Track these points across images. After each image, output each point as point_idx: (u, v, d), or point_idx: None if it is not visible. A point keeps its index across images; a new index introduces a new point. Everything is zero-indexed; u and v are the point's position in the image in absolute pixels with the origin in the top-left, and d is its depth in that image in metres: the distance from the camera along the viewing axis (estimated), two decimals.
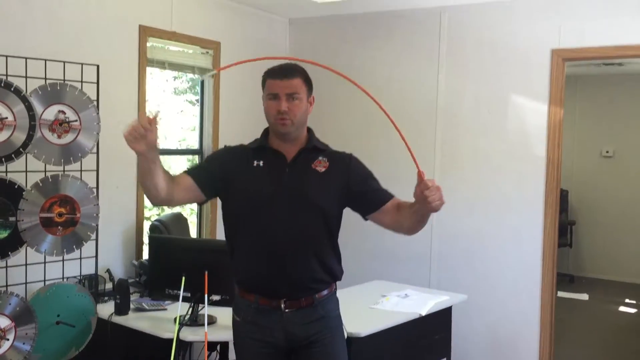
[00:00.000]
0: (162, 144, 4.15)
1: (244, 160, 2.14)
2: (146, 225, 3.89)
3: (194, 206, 4.43)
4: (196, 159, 4.53)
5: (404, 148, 4.74)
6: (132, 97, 3.78)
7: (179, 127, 4.61)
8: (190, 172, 2.12)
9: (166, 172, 1.98)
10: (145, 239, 3.82)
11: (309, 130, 2.21)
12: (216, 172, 2.13)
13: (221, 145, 4.20)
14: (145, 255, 3.78)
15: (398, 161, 4.43)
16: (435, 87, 4.46)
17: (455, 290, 3.99)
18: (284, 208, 2.07)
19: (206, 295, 2.06)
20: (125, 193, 3.79)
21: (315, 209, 2.09)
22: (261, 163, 2.11)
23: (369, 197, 2.15)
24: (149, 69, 3.85)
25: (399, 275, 4.28)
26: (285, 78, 2.05)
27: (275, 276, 2.09)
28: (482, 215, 4.36)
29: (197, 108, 4.53)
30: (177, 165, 4.63)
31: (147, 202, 3.96)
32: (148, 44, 3.83)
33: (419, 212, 1.96)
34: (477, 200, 4.36)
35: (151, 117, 1.75)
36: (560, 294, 6.20)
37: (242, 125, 4.52)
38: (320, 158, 2.15)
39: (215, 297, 2.85)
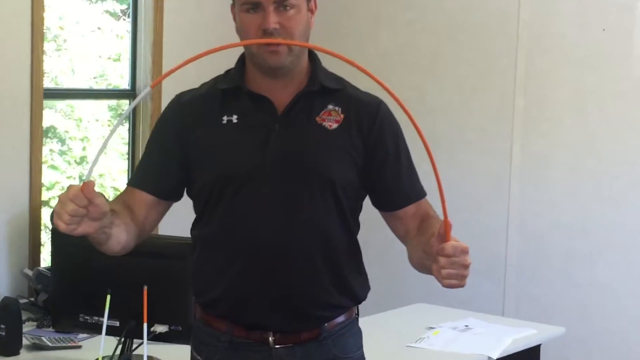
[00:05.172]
0: (69, 82, 4.57)
1: (208, 117, 2.13)
2: (45, 213, 3.93)
3: (121, 177, 4.60)
4: (124, 104, 4.55)
5: (454, 98, 4.77)
6: (22, 3, 3.73)
7: (96, 56, 4.56)
8: (136, 182, 2.15)
9: (122, 216, 2.02)
10: (45, 235, 3.93)
11: (313, 57, 2.14)
12: (174, 155, 2.13)
13: (167, 88, 4.01)
14: (45, 261, 3.88)
15: (443, 118, 4.51)
16: None
17: (546, 320, 3.88)
18: (274, 189, 2.05)
19: (145, 325, 2.07)
20: (8, 163, 3.75)
21: (323, 188, 2.06)
22: (234, 118, 2.11)
23: (386, 185, 2.14)
24: None
25: (453, 295, 3.96)
26: None
27: (260, 295, 2.08)
28: (590, 199, 4.24)
29: (127, 24, 4.44)
30: (92, 115, 4.67)
31: (46, 178, 4.12)
32: None
33: (425, 263, 1.93)
34: (583, 174, 4.24)
35: (85, 188, 1.74)
36: None
37: (199, 51, 4.45)
38: (330, 107, 2.11)
39: (160, 328, 2.86)
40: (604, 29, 4.20)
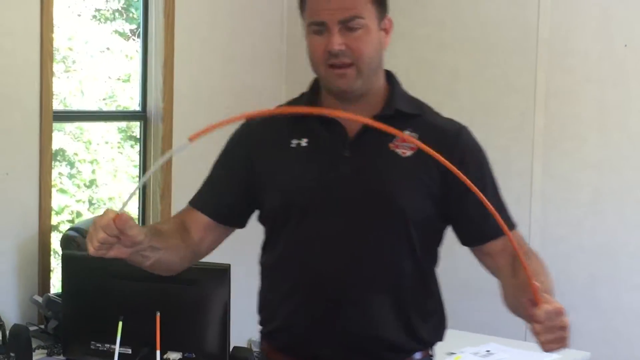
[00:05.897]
0: (77, 104, 4.64)
1: (276, 140, 2.11)
2: (55, 238, 3.92)
3: (130, 200, 4.52)
4: (134, 126, 4.48)
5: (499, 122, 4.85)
6: (31, 23, 3.71)
7: (105, 77, 4.56)
8: (195, 202, 2.15)
9: (169, 238, 2.02)
10: (55, 261, 3.95)
11: (391, 80, 2.11)
12: (237, 179, 2.14)
13: (178, 110, 4.34)
14: (55, 287, 3.88)
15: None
16: (536, 6, 4.39)
17: (570, 345, 3.77)
18: (340, 218, 2.03)
19: (158, 352, 2.15)
20: (17, 186, 3.72)
21: (392, 219, 2.04)
22: (304, 142, 2.09)
23: (468, 219, 2.09)
24: None
25: (475, 318, 4.17)
26: None
27: (319, 328, 2.06)
28: (614, 219, 4.23)
29: (136, 44, 4.45)
30: (101, 137, 4.70)
31: (55, 202, 4.12)
32: None
33: (521, 314, 1.87)
34: (607, 194, 4.24)
35: (117, 219, 1.76)
36: None
37: (215, 72, 4.46)
38: (406, 133, 2.03)
39: (174, 356, 2.87)
40: (626, 45, 4.19)
